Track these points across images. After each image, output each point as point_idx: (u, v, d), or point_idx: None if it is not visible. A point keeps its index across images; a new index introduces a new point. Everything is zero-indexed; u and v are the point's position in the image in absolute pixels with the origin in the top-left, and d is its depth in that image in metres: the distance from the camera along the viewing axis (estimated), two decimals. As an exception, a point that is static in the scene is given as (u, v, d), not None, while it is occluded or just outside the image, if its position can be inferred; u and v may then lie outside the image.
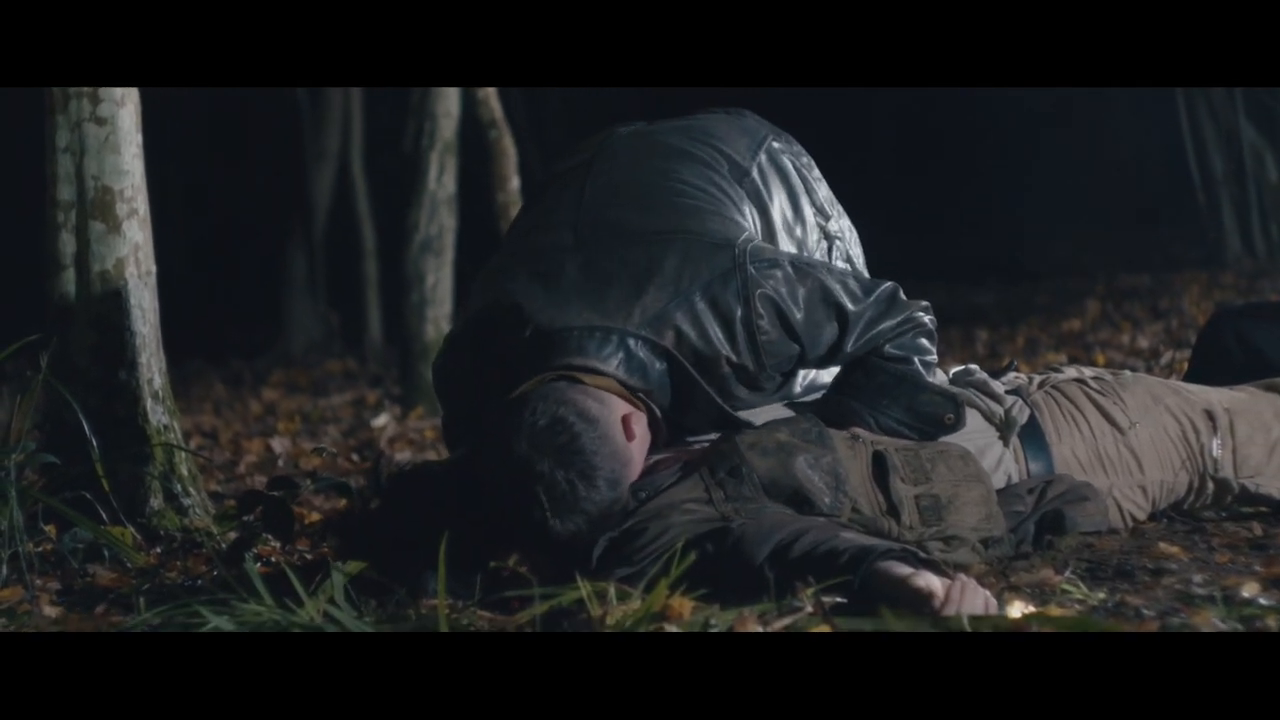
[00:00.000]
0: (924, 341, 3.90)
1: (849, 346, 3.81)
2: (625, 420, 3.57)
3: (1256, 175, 13.25)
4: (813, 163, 4.14)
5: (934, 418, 3.88)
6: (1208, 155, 13.39)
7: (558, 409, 3.47)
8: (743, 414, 3.81)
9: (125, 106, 4.67)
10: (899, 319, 3.84)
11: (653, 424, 3.71)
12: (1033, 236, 17.05)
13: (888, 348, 3.85)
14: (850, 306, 3.78)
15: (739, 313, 3.68)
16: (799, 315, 3.73)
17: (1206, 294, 10.98)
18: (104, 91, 4.63)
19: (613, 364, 3.61)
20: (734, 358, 3.71)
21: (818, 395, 4.01)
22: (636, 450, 3.61)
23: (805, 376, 4.05)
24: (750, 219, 3.94)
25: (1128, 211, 16.41)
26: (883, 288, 3.86)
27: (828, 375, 4.02)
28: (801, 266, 3.78)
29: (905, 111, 18.80)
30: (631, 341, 3.64)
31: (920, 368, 3.88)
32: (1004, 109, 17.47)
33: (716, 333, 3.68)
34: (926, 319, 3.90)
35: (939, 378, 3.99)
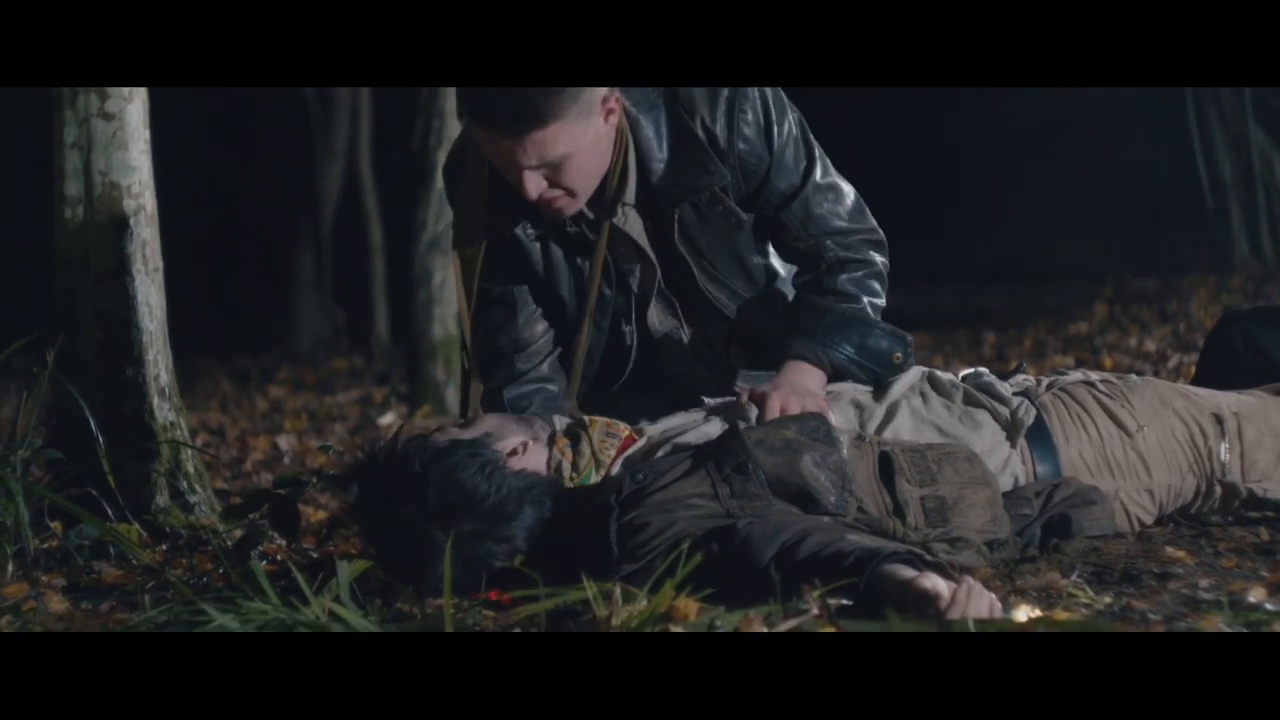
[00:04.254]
0: (875, 284, 4.11)
1: (798, 207, 4.04)
2: None
3: (1265, 179, 13.23)
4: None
5: (884, 356, 4.05)
6: (1216, 159, 13.38)
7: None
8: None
9: (133, 102, 4.68)
10: (855, 225, 4.09)
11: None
12: (1040, 238, 17.03)
13: (841, 279, 4.06)
14: (818, 168, 4.04)
15: (726, 91, 3.93)
16: (777, 130, 3.97)
17: (1214, 298, 10.97)
18: (112, 88, 4.63)
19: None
20: (709, 123, 3.91)
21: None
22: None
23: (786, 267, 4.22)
24: None
25: (1136, 214, 16.37)
26: (851, 188, 4.10)
27: None
28: (795, 110, 4.04)
29: (913, 112, 18.77)
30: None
31: (869, 309, 4.06)
32: (1011, 112, 17.44)
33: (701, 90, 3.93)
34: (879, 260, 4.12)
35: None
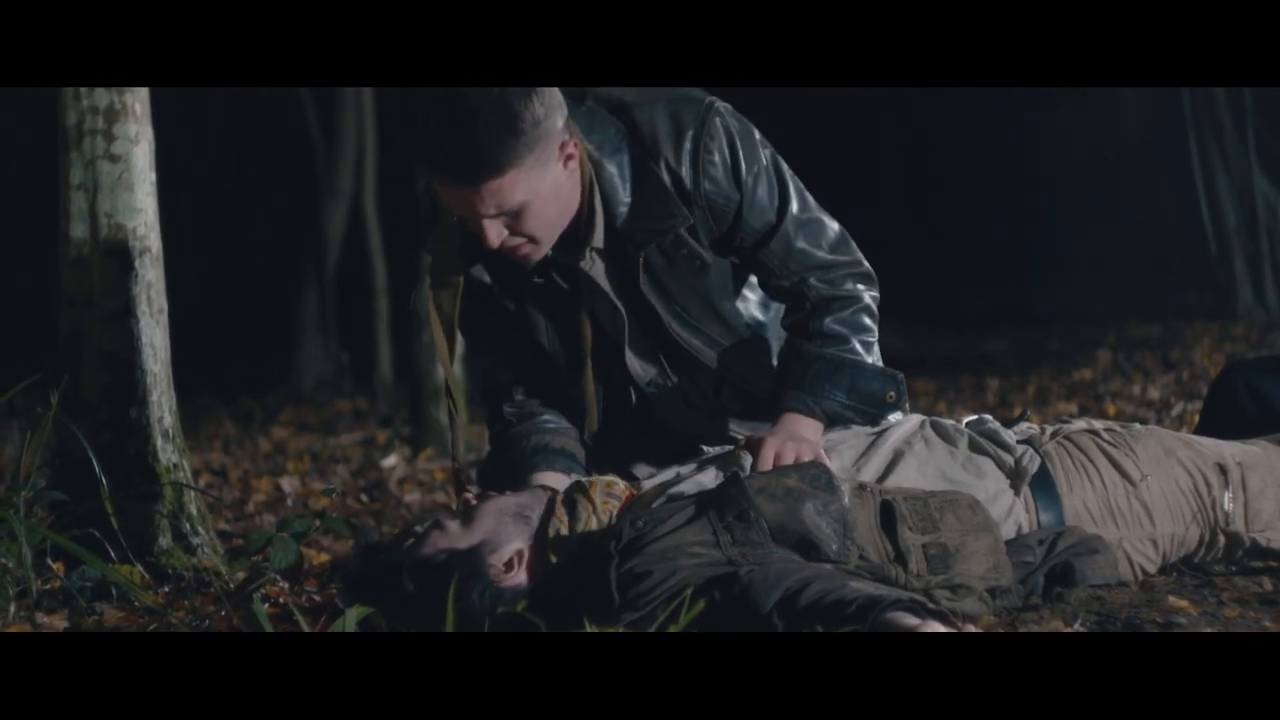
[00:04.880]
0: (865, 319, 4.09)
1: (776, 244, 4.02)
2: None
3: (1269, 227, 13.25)
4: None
5: (876, 397, 4.05)
6: (1220, 206, 13.40)
7: None
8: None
9: (139, 144, 4.69)
10: (838, 258, 4.07)
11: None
12: (1044, 284, 17.05)
13: (827, 321, 4.03)
14: (794, 203, 4.01)
15: (691, 131, 3.90)
16: (745, 168, 3.94)
17: (1218, 345, 10.98)
18: (118, 129, 4.65)
19: (576, 117, 3.86)
20: (674, 165, 3.90)
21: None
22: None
23: (769, 305, 4.22)
24: None
25: (1140, 260, 16.39)
26: (834, 222, 4.08)
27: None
28: (767, 146, 4.01)
29: (919, 154, 18.80)
30: (589, 101, 3.93)
31: (859, 347, 4.04)
32: (1018, 156, 17.48)
33: (666, 132, 3.91)
34: (867, 294, 4.10)
35: (876, 356, 4.12)
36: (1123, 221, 16.52)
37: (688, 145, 3.90)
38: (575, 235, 3.96)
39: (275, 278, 16.15)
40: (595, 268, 4.01)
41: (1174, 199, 14.34)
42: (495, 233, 3.76)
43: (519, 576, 3.66)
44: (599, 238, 3.97)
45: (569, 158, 3.80)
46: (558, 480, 4.01)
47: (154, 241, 4.72)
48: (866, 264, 4.11)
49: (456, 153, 3.63)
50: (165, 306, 4.75)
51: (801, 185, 4.06)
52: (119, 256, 4.65)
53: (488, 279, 4.06)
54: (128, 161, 4.68)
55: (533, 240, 3.83)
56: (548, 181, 3.76)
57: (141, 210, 4.70)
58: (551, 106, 3.71)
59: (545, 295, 4.09)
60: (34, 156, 8.27)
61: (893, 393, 4.05)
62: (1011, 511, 3.85)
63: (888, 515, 3.63)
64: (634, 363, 4.17)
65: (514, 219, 3.76)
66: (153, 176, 4.74)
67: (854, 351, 4.04)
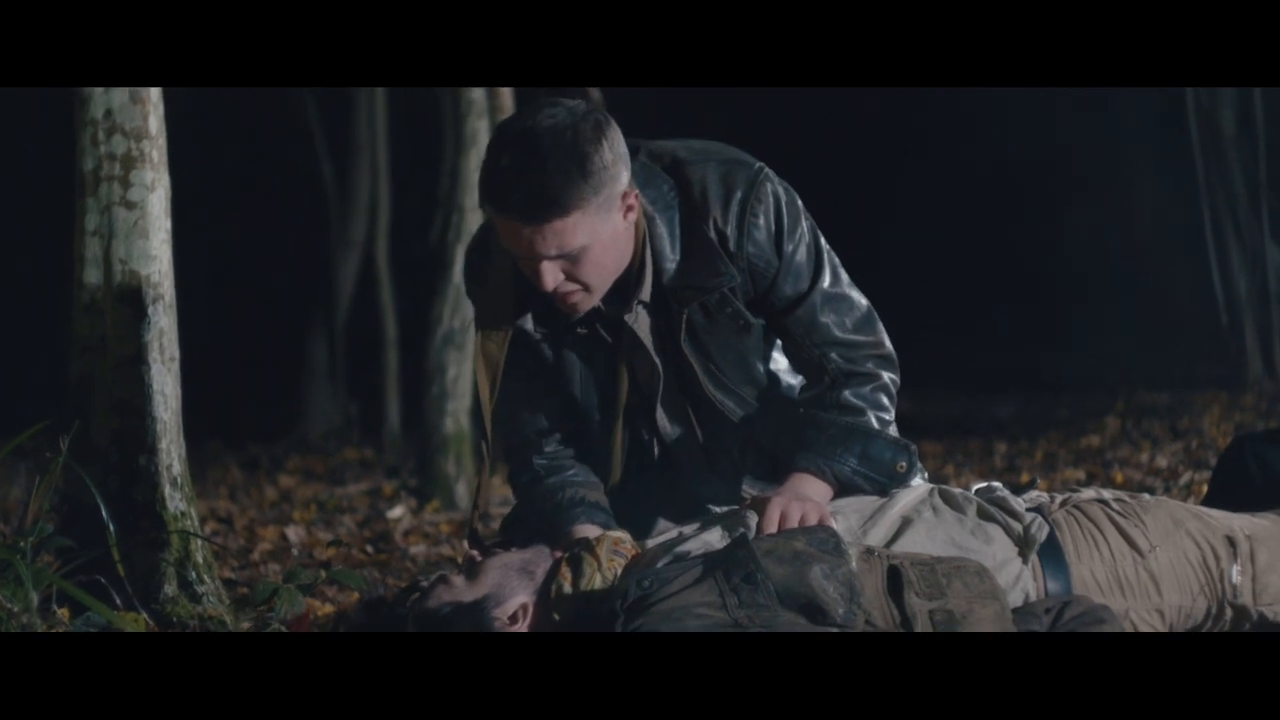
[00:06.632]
0: (883, 398, 4.11)
1: (803, 313, 4.05)
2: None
3: (1280, 297, 13.25)
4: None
5: (887, 466, 4.05)
6: (1232, 275, 13.39)
7: None
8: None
9: (155, 191, 4.71)
10: (861, 338, 4.09)
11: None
12: (1053, 349, 17.04)
13: (845, 394, 4.06)
14: (827, 276, 4.05)
15: (740, 193, 3.94)
16: (789, 236, 3.98)
17: (1226, 415, 10.95)
18: (135, 175, 4.67)
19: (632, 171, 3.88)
20: (720, 224, 3.94)
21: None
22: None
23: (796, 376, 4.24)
24: None
25: (1149, 328, 16.39)
26: (863, 299, 4.11)
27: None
28: (808, 218, 4.05)
29: (926, 221, 18.81)
30: (643, 155, 3.97)
31: (874, 421, 4.06)
32: (1029, 222, 17.51)
33: (715, 192, 3.94)
34: (887, 376, 4.12)
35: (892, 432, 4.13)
36: (1134, 289, 16.52)
37: (735, 207, 3.93)
38: (624, 288, 3.98)
39: (286, 326, 16.18)
40: (639, 321, 4.04)
41: (1186, 268, 14.34)
42: (552, 276, 3.78)
43: (523, 631, 3.66)
44: (646, 291, 4.00)
45: (629, 209, 3.84)
46: (594, 532, 4.01)
47: (167, 289, 4.73)
48: (889, 346, 4.14)
49: (525, 190, 3.68)
50: (177, 354, 4.76)
51: (837, 261, 4.09)
52: (132, 303, 4.66)
53: (533, 326, 4.07)
54: (143, 208, 4.70)
55: (586, 288, 3.86)
56: (608, 229, 3.79)
57: (156, 257, 4.71)
58: (619, 155, 3.77)
59: (585, 346, 4.11)
60: (49, 200, 8.30)
61: (904, 463, 4.05)
62: (1019, 579, 3.84)
63: (895, 580, 3.63)
64: (663, 420, 4.19)
65: (572, 264, 3.78)
66: (168, 224, 4.76)
67: (869, 423, 4.06)
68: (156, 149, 4.73)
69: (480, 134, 9.03)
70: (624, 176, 3.80)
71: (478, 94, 9.10)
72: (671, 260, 3.97)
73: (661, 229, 3.95)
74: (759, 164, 4.00)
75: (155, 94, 4.72)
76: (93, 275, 4.68)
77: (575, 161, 3.67)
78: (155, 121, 4.73)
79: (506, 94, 9.20)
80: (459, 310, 9.05)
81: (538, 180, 3.66)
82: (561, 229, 3.70)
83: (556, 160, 3.66)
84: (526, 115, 3.76)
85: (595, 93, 9.39)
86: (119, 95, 4.66)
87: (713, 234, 3.94)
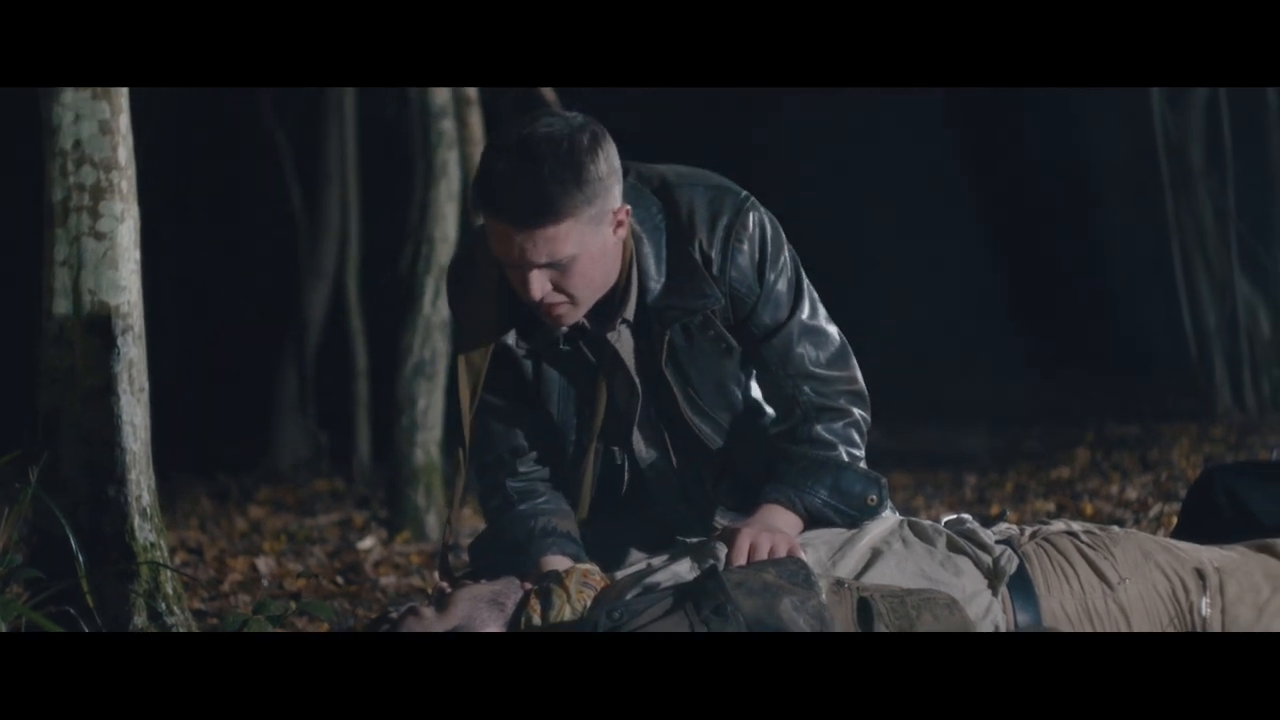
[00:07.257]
0: (854, 434, 4.14)
1: (779, 342, 4.08)
2: None
3: (1249, 329, 13.29)
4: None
5: (858, 499, 4.08)
6: (1202, 307, 13.43)
7: None
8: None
9: (125, 222, 4.70)
10: (834, 373, 4.13)
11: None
12: (1022, 381, 17.09)
13: (817, 428, 4.09)
14: (805, 308, 4.09)
15: (726, 218, 3.98)
16: (771, 265, 4.02)
17: (1196, 447, 10.97)
18: (104, 206, 4.66)
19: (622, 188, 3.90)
20: (706, 247, 3.97)
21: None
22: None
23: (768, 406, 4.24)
24: None
25: (1119, 360, 16.44)
26: (838, 335, 4.15)
27: None
28: (790, 248, 4.09)
29: (896, 252, 18.85)
30: (632, 176, 3.99)
31: (844, 456, 4.10)
32: (997, 251, 17.55)
33: (702, 215, 3.98)
34: (858, 413, 4.16)
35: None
36: (1103, 321, 16.58)
37: (720, 231, 3.96)
38: (609, 305, 4.01)
39: (256, 357, 16.16)
40: (621, 340, 4.06)
41: (1155, 299, 14.39)
42: (539, 285, 3.80)
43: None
44: (631, 311, 4.02)
45: (619, 224, 3.87)
46: (565, 565, 4.00)
47: (136, 320, 4.72)
48: (862, 383, 4.17)
49: (519, 195, 3.70)
50: (146, 385, 4.75)
51: (815, 295, 4.13)
52: (101, 333, 4.65)
53: (515, 340, 4.09)
54: (113, 239, 4.69)
55: (572, 300, 3.87)
56: (598, 241, 3.82)
57: (126, 288, 4.70)
58: (614, 169, 3.80)
59: (567, 364, 4.12)
60: (17, 231, 8.28)
61: (874, 496, 4.07)
62: (989, 611, 3.84)
63: (864, 612, 3.63)
64: (639, 443, 4.19)
65: (560, 274, 3.80)
66: (137, 255, 4.75)
67: (840, 456, 4.07)
68: (126, 180, 4.72)
69: (450, 165, 9.05)
70: (616, 191, 3.82)
71: (448, 125, 9.11)
72: (656, 280, 3.99)
73: (648, 249, 3.97)
74: (745, 192, 4.03)
75: (125, 124, 4.72)
76: (62, 306, 4.67)
77: (571, 170, 3.70)
78: (125, 152, 4.72)
79: (476, 125, 9.22)
80: (429, 341, 9.05)
81: (533, 186, 3.69)
82: (553, 236, 3.73)
83: (552, 167, 3.69)
84: (523, 124, 3.79)
85: (550, 93, 9.44)
86: (88, 126, 4.65)
87: (698, 256, 3.97)
